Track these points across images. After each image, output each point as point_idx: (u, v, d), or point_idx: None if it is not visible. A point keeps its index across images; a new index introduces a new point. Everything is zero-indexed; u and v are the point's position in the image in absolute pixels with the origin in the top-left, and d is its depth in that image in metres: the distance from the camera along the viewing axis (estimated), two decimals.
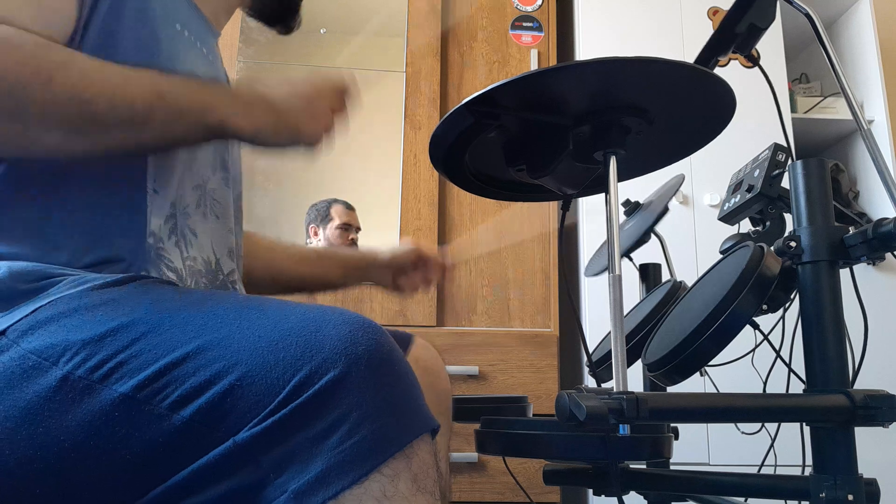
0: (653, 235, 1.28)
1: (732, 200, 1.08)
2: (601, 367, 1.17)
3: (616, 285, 0.72)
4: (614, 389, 0.69)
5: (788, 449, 1.05)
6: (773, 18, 0.93)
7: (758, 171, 1.04)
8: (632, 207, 1.37)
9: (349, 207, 2.15)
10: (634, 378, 0.84)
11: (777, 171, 1.01)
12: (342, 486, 0.51)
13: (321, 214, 2.13)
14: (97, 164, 0.72)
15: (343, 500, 0.51)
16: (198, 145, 0.73)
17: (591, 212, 2.15)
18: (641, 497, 1.24)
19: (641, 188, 1.32)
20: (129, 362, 0.56)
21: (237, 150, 0.97)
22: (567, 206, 0.94)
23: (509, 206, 2.18)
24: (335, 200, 2.15)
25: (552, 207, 2.22)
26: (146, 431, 0.54)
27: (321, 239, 2.11)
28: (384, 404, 0.54)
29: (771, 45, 2.24)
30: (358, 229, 2.15)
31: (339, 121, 0.81)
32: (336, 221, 2.12)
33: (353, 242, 2.14)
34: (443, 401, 0.95)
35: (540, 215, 2.20)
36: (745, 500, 1.01)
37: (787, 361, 0.95)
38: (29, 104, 0.60)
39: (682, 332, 0.85)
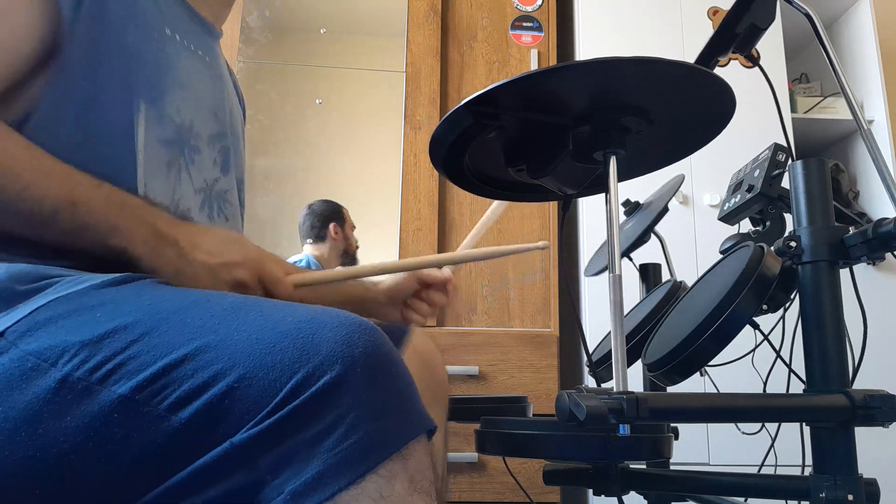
0: (653, 235, 1.28)
1: (732, 200, 1.08)
2: (601, 367, 1.17)
3: (616, 285, 0.72)
4: (614, 389, 0.69)
5: (788, 449, 1.05)
6: (773, 18, 0.93)
7: (758, 171, 1.04)
8: (632, 207, 1.37)
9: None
10: (634, 378, 0.84)
11: (777, 171, 1.01)
12: (339, 488, 0.51)
13: (337, 213, 2.12)
14: (88, 167, 0.72)
15: (339, 501, 0.51)
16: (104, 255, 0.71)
17: (591, 212, 2.15)
18: (641, 497, 1.24)
19: (641, 188, 1.32)
20: (127, 364, 0.56)
21: (241, 150, 0.97)
22: (567, 207, 0.94)
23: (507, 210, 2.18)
24: (336, 203, 2.15)
25: (552, 208, 2.22)
26: (145, 433, 0.54)
27: (338, 239, 2.10)
28: (381, 406, 0.54)
29: (771, 45, 2.24)
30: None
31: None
32: (349, 222, 2.12)
33: (357, 245, 2.15)
34: (441, 393, 0.94)
35: (540, 215, 2.20)
36: (745, 500, 1.01)
37: (787, 361, 0.95)
38: None
39: (682, 332, 0.85)
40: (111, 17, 0.74)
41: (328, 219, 2.11)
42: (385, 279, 1.07)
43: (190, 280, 0.71)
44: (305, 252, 2.10)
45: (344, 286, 1.08)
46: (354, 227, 2.15)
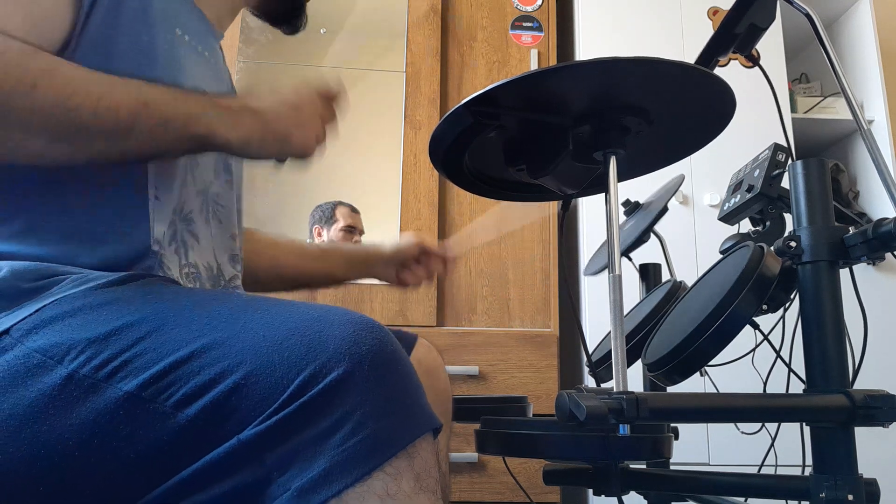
0: (653, 235, 1.28)
1: (732, 200, 1.08)
2: (601, 367, 1.17)
3: (616, 285, 0.72)
4: (614, 389, 0.69)
5: (788, 449, 1.05)
6: (773, 18, 0.93)
7: (758, 171, 1.04)
8: (632, 207, 1.37)
9: (354, 210, 2.16)
10: (634, 378, 0.84)
11: (777, 171, 1.01)
12: (345, 484, 0.51)
13: (325, 216, 2.13)
14: (98, 170, 0.71)
15: (346, 498, 0.51)
16: (183, 155, 0.73)
17: (591, 212, 2.15)
18: (641, 497, 1.24)
19: (641, 188, 1.32)
20: (134, 361, 0.56)
21: None
22: (567, 207, 0.94)
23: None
24: (340, 202, 2.15)
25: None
26: (151, 429, 0.55)
27: (324, 240, 2.12)
28: (387, 403, 0.55)
29: (771, 45, 2.24)
30: (361, 232, 2.15)
31: (329, 128, 0.81)
32: (340, 223, 2.12)
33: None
34: (443, 402, 0.96)
35: (538, 204, 2.20)
36: (745, 500, 1.01)
37: (787, 361, 0.95)
38: (11, 111, 0.59)
39: (682, 332, 0.85)
40: (125, 19, 0.74)
41: (314, 222, 2.15)
42: (390, 244, 1.14)
43: (281, 126, 0.74)
44: None
45: (351, 249, 1.13)
46: (354, 227, 2.14)
